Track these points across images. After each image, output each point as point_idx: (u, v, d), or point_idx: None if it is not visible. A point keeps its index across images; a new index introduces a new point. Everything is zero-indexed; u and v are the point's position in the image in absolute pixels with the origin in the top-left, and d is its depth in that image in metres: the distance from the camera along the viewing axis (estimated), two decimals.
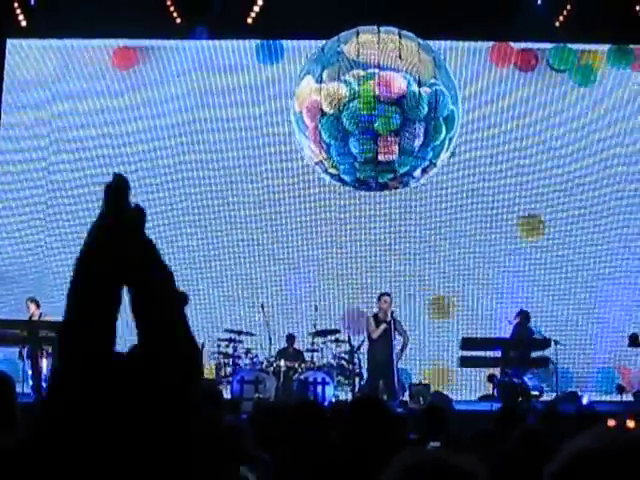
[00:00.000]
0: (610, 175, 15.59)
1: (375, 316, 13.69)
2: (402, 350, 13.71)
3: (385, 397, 12.85)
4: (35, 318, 13.44)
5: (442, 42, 14.25)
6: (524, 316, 14.29)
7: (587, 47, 15.37)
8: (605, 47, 15.23)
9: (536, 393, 13.20)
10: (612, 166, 15.59)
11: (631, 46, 15.16)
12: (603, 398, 14.37)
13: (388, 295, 13.79)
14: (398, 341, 13.59)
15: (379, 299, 13.78)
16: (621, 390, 14.28)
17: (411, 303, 15.38)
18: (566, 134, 15.56)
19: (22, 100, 15.58)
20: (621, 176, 15.59)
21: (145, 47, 15.46)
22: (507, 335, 14.19)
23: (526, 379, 13.28)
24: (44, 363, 12.71)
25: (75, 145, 15.66)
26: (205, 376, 13.96)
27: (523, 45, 15.27)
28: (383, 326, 13.44)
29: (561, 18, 14.24)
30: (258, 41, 15.03)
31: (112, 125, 15.57)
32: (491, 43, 15.25)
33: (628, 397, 13.94)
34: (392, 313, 13.47)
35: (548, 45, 15.19)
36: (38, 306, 13.70)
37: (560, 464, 1.75)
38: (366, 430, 3.97)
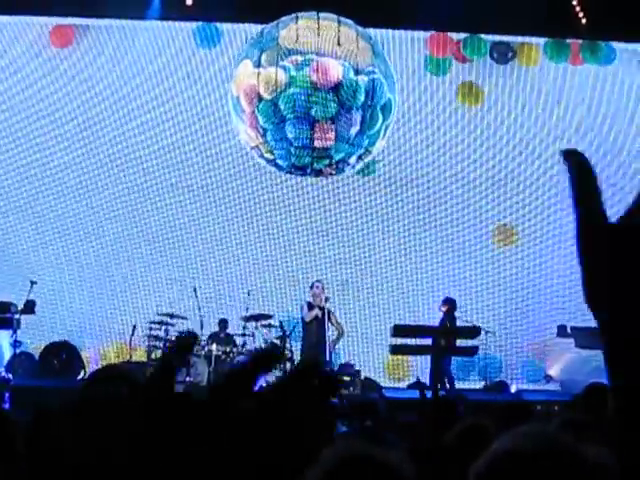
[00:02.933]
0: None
1: (309, 303, 13.73)
2: (336, 340, 13.75)
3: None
4: None
5: (381, 30, 14.25)
6: (451, 304, 14.42)
7: (525, 40, 15.49)
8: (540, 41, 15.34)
9: None
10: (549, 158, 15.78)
11: (567, 40, 15.31)
12: (531, 387, 14.56)
13: (319, 282, 13.83)
14: (332, 331, 13.62)
15: (311, 287, 13.81)
16: (549, 379, 14.51)
17: (346, 289, 15.44)
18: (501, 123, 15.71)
19: None
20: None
21: (82, 26, 15.23)
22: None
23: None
24: None
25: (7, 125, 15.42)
26: (136, 359, 13.93)
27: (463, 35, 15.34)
28: (315, 310, 13.47)
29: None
30: (196, 24, 14.90)
31: (46, 104, 15.35)
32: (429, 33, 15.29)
33: (555, 386, 14.16)
34: (326, 300, 13.49)
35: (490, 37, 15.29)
36: None
37: (485, 464, 1.78)
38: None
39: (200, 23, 14.84)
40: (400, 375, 15.23)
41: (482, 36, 15.11)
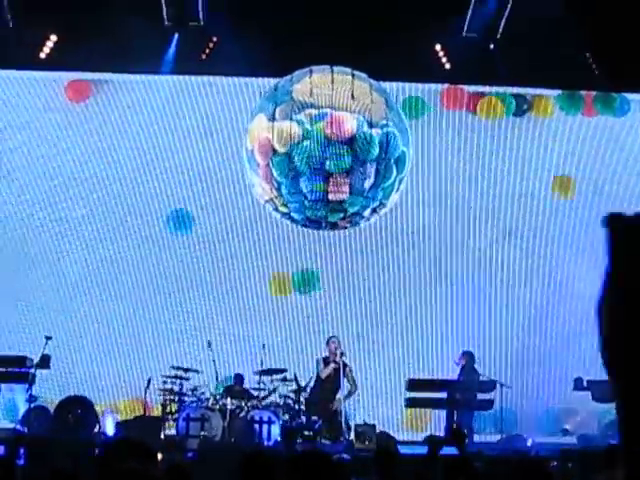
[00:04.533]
0: (562, 219, 15.80)
1: (325, 359, 13.69)
2: (347, 397, 13.67)
3: (327, 436, 12.83)
4: None
5: (394, 84, 14.37)
6: (469, 357, 14.37)
7: (537, 92, 15.57)
8: (554, 93, 15.42)
9: None
10: (560, 212, 15.79)
11: (581, 92, 15.38)
12: (548, 440, 14.43)
13: (335, 337, 13.81)
14: (345, 388, 13.56)
15: (327, 342, 13.78)
16: (566, 433, 14.38)
17: (359, 343, 15.38)
18: (518, 177, 15.74)
19: None
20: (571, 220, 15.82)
21: (99, 80, 15.37)
22: (455, 376, 14.27)
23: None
24: None
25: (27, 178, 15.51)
26: (152, 414, 13.89)
27: (473, 89, 15.43)
28: (332, 365, 13.43)
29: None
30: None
31: (65, 157, 15.44)
32: (444, 86, 15.39)
33: (572, 440, 14.02)
34: (342, 355, 13.44)
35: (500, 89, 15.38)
36: None
37: None
38: None
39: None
40: (420, 426, 15.15)
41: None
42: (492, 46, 14.40)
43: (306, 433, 12.58)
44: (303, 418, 13.27)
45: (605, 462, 4.96)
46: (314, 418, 13.01)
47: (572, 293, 15.56)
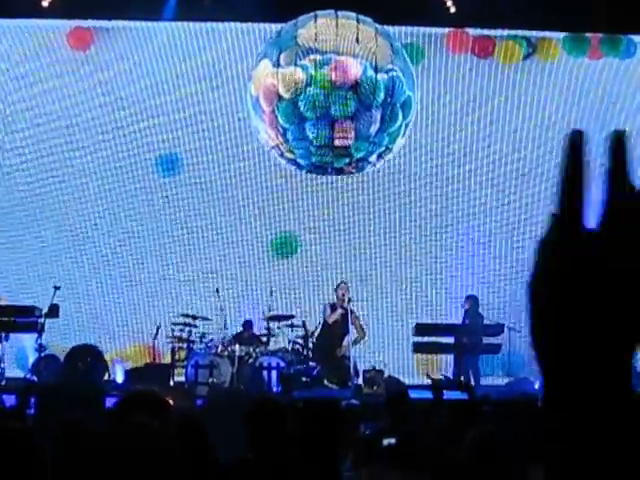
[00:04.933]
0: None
1: (332, 305, 13.71)
2: (355, 342, 13.68)
3: (335, 382, 12.89)
4: None
5: (400, 28, 14.24)
6: (473, 301, 14.39)
7: (542, 34, 15.42)
8: (560, 35, 15.28)
9: None
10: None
11: (587, 34, 15.24)
12: None
13: (344, 283, 13.82)
14: (352, 334, 13.58)
15: (336, 288, 13.79)
16: None
17: (366, 289, 15.42)
18: (525, 121, 15.65)
19: None
20: None
21: (101, 27, 15.26)
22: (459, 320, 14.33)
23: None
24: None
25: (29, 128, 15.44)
26: (161, 361, 13.99)
27: (478, 32, 15.28)
28: (339, 311, 13.45)
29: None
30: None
31: (67, 106, 15.38)
32: (447, 29, 15.24)
33: None
34: (349, 301, 13.45)
35: (504, 32, 15.22)
36: None
37: None
38: (317, 432, 4.04)
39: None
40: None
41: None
42: None
43: (304, 379, 12.64)
44: (311, 364, 13.34)
45: None
46: (312, 364, 13.03)
47: None
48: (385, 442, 4.94)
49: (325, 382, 12.93)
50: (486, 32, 15.24)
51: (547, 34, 15.30)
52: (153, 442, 2.44)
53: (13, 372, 13.76)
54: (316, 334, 13.59)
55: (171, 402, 4.95)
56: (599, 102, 15.55)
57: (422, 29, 15.09)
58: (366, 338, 14.02)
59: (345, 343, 13.33)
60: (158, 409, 3.55)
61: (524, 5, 14.00)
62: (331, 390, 12.63)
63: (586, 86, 15.54)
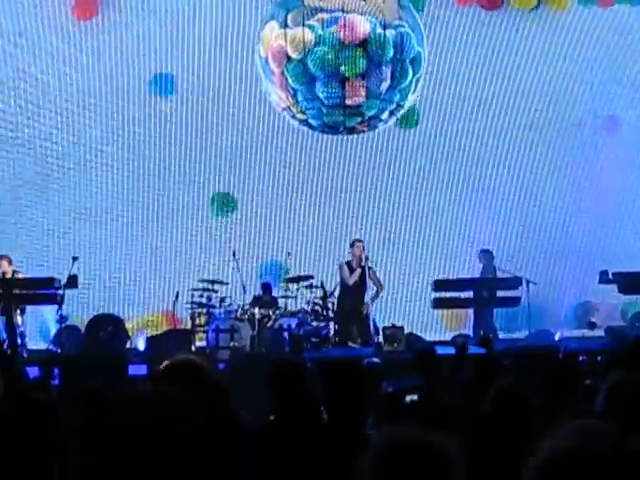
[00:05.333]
0: (580, 109, 15.67)
1: (348, 263, 13.69)
2: (375, 297, 13.72)
3: (359, 341, 12.96)
4: (8, 276, 13.38)
5: None
6: (488, 256, 14.39)
7: None
8: None
9: None
10: (579, 104, 15.66)
11: None
12: (575, 334, 14.51)
13: (360, 241, 13.78)
14: (372, 288, 13.62)
15: (352, 246, 13.77)
16: (593, 326, 14.45)
17: (384, 246, 15.43)
18: (534, 73, 15.55)
19: None
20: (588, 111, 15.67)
21: None
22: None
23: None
24: (18, 320, 12.76)
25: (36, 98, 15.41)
26: (181, 326, 14.05)
27: None
28: (358, 271, 13.46)
29: None
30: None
31: (75, 75, 15.34)
32: None
33: (600, 332, 14.08)
34: (366, 259, 13.46)
35: None
36: (10, 263, 13.62)
37: (540, 464, 1.82)
38: (339, 392, 4.06)
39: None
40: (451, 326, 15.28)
41: None
42: None
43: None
44: (330, 324, 13.39)
45: (631, 357, 4.96)
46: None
47: (597, 187, 15.50)
48: (408, 399, 4.95)
49: (350, 343, 12.99)
50: None
51: None
52: (174, 409, 2.45)
53: (36, 344, 13.86)
54: (335, 294, 13.62)
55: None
56: (611, 50, 15.45)
57: None
58: (383, 292, 14.02)
59: (366, 300, 13.35)
60: (196, 376, 3.58)
61: None
62: (352, 349, 12.67)
63: (597, 35, 15.42)
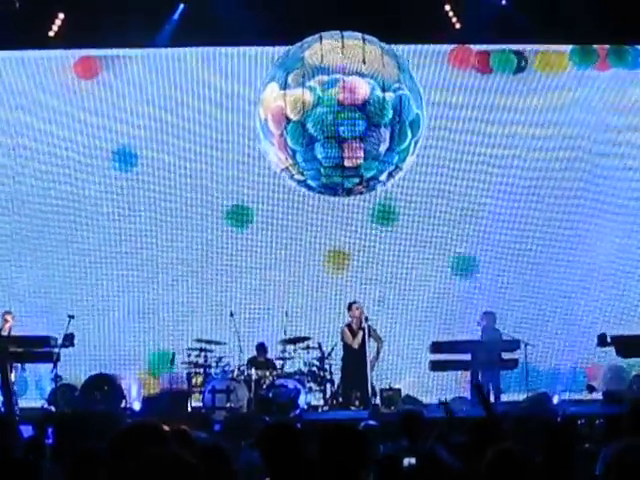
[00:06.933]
0: (577, 175, 15.71)
1: (349, 325, 13.70)
2: (377, 356, 13.73)
3: (357, 404, 12.88)
4: (5, 332, 13.36)
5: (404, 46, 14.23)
6: (490, 317, 14.35)
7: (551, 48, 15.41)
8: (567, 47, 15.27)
9: None
10: (576, 168, 15.71)
11: (594, 46, 15.24)
12: (574, 397, 14.42)
13: (357, 303, 13.83)
14: (373, 347, 13.63)
15: (349, 308, 13.81)
16: (591, 389, 14.36)
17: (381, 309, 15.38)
18: (530, 134, 15.63)
19: None
20: (587, 175, 15.71)
21: (108, 56, 15.33)
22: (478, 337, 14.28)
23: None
24: (12, 377, 12.71)
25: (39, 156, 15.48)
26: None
27: (480, 47, 15.29)
28: (360, 334, 13.48)
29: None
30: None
31: (77, 134, 15.43)
32: (452, 46, 15.26)
33: (598, 396, 14.00)
34: (366, 320, 13.48)
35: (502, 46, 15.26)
36: (10, 317, 13.67)
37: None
38: (335, 454, 4.03)
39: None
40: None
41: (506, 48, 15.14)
42: (504, 1, 14.27)
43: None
44: (328, 385, 13.33)
45: (631, 421, 4.91)
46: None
47: (593, 249, 15.50)
48: (405, 462, 4.90)
49: (352, 408, 12.93)
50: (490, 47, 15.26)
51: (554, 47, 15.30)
52: (180, 472, 2.42)
53: (33, 400, 13.79)
54: (333, 355, 13.57)
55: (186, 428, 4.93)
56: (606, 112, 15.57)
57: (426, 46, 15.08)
58: (383, 346, 14.00)
59: (368, 362, 13.31)
60: (161, 440, 3.44)
61: (532, 18, 14.02)
62: (349, 412, 12.59)
63: (594, 96, 15.53)
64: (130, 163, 15.50)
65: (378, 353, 13.80)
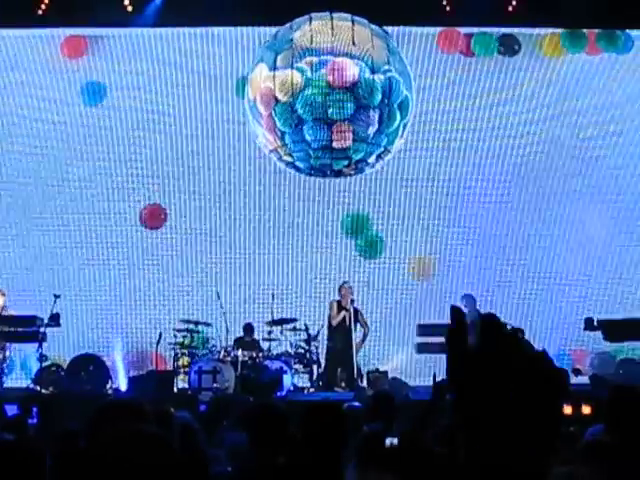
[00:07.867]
0: (565, 156, 15.69)
1: (338, 302, 13.73)
2: (362, 341, 13.77)
3: (343, 385, 12.90)
4: None
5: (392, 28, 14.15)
6: (470, 300, 14.34)
7: (542, 31, 15.35)
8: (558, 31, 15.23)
9: None
10: (560, 147, 15.69)
11: (583, 30, 15.19)
12: None
13: (347, 283, 13.87)
14: (359, 332, 13.67)
15: (340, 288, 13.85)
16: (577, 373, 14.39)
17: (368, 290, 15.38)
18: (516, 117, 15.60)
19: None
20: (573, 157, 15.70)
21: (94, 36, 15.21)
22: None
23: None
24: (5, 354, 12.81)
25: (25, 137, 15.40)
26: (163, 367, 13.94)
27: (467, 30, 15.21)
28: (343, 313, 13.49)
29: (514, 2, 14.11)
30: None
31: (63, 114, 15.36)
32: (439, 29, 15.16)
33: (584, 380, 14.03)
34: (352, 302, 13.52)
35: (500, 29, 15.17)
36: (3, 295, 13.65)
37: None
38: (319, 434, 4.04)
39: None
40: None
41: (488, 32, 15.08)
42: None
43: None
44: (314, 367, 13.35)
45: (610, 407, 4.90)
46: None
47: (580, 234, 15.51)
48: (388, 442, 4.90)
49: (335, 388, 12.95)
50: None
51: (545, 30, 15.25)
52: (156, 452, 2.40)
53: (18, 380, 13.78)
54: (319, 338, 13.59)
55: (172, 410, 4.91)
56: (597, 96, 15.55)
57: (414, 28, 14.97)
58: (369, 334, 14.04)
59: (354, 343, 13.32)
60: (138, 417, 3.42)
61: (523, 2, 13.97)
62: (334, 393, 12.61)
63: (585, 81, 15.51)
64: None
65: (364, 339, 13.82)
